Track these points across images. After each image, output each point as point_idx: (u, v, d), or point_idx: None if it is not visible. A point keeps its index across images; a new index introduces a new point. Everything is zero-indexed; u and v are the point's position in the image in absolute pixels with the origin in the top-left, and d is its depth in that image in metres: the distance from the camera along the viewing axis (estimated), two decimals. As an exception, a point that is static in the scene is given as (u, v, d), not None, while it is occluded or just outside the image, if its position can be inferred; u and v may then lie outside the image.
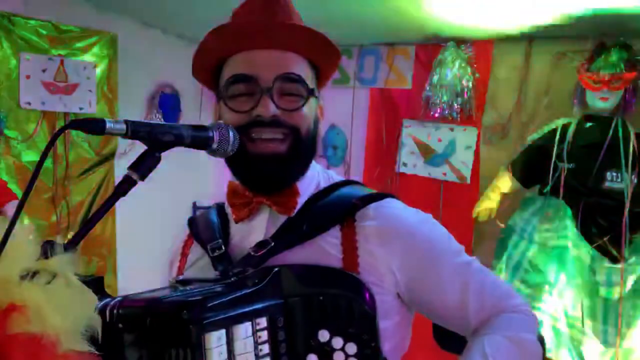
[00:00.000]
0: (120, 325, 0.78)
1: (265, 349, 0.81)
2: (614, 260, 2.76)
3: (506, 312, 0.95)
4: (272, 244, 0.93)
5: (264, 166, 0.94)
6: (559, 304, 2.85)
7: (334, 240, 0.94)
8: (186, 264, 1.08)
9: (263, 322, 0.81)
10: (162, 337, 0.75)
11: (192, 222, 1.12)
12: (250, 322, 0.79)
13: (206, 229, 1.05)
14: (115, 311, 0.79)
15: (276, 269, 0.87)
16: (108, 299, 0.82)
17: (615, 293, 2.73)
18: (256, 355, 0.79)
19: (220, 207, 1.09)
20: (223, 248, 0.98)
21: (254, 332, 0.80)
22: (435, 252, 0.97)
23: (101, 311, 0.79)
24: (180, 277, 0.90)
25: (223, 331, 0.76)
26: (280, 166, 0.94)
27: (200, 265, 1.03)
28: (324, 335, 0.85)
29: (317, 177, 1.04)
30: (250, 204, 0.98)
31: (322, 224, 0.95)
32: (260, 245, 0.93)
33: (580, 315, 2.78)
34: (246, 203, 0.98)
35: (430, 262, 0.96)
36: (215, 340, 0.75)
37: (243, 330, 0.78)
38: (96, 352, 0.70)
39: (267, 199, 0.97)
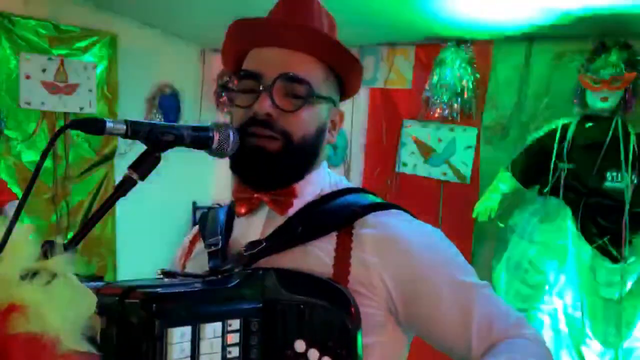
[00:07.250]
0: (95, 310, 0.77)
1: (235, 352, 0.78)
2: (614, 260, 2.76)
3: (516, 339, 0.87)
4: (264, 244, 0.91)
5: (253, 160, 0.92)
6: (559, 304, 2.85)
7: (328, 247, 0.90)
8: (189, 258, 1.08)
9: (236, 324, 0.79)
10: (133, 327, 0.74)
11: (202, 218, 1.11)
12: (221, 323, 0.77)
13: (211, 224, 1.05)
14: None
15: (260, 271, 0.85)
16: (89, 283, 0.81)
17: (615, 293, 2.74)
18: (223, 357, 0.77)
19: (232, 204, 1.07)
20: (220, 244, 0.97)
21: (224, 333, 0.77)
22: (435, 266, 0.90)
23: None
24: (166, 269, 0.88)
25: (189, 328, 0.74)
26: (268, 163, 0.92)
27: (198, 260, 1.02)
28: (300, 346, 0.82)
29: (322, 183, 1.00)
30: (251, 200, 0.97)
31: (318, 228, 0.92)
32: (252, 244, 0.92)
33: (580, 315, 2.78)
34: (247, 198, 0.97)
35: (427, 275, 0.89)
36: (179, 335, 0.73)
37: (211, 329, 0.76)
38: (96, 353, 0.70)
39: (266, 197, 0.95)
